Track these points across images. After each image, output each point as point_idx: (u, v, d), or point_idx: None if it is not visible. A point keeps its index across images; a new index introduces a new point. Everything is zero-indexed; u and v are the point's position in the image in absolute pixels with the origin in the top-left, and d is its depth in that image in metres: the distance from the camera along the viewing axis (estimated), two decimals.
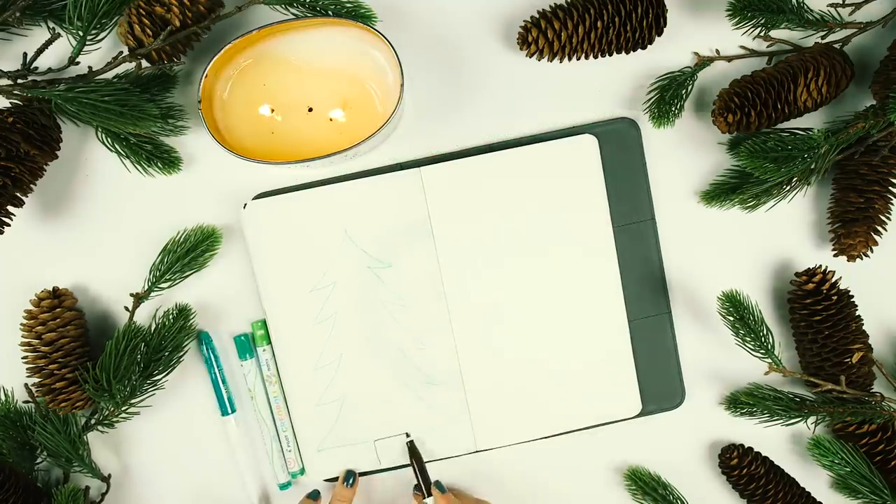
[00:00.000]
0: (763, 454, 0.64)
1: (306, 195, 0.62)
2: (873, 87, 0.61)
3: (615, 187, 0.64)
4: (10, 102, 0.58)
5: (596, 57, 0.62)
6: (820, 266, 0.63)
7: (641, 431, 0.66)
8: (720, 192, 0.63)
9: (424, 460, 0.63)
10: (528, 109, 0.64)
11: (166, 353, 0.61)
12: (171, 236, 0.62)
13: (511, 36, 0.63)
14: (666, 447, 0.66)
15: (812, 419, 0.62)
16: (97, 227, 0.63)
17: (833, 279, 0.62)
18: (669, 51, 0.63)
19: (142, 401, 0.61)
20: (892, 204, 0.62)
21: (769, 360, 0.61)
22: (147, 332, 0.61)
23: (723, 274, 0.65)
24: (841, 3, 0.60)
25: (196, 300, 0.63)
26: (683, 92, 0.62)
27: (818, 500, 0.64)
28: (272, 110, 0.61)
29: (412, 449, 0.63)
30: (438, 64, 0.63)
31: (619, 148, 0.64)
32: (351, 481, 0.63)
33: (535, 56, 0.61)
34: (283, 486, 0.65)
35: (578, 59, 0.62)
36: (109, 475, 0.63)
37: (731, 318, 0.61)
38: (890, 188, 0.62)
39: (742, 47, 0.64)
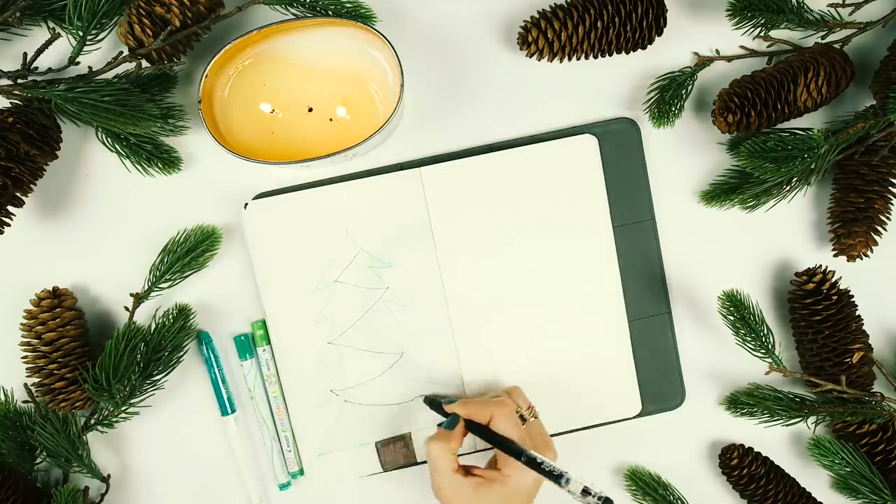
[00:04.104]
0: (763, 454, 0.64)
1: (306, 195, 0.62)
2: (873, 87, 0.61)
3: (615, 187, 0.64)
4: (10, 102, 0.58)
5: (596, 57, 0.62)
6: (820, 266, 0.63)
7: (641, 431, 0.66)
8: (720, 192, 0.63)
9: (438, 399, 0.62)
10: (529, 109, 0.64)
11: (166, 353, 0.61)
12: (171, 236, 0.62)
13: (511, 36, 0.63)
14: (666, 447, 0.66)
15: (812, 419, 0.62)
16: (97, 227, 0.63)
17: (833, 279, 0.62)
18: (669, 51, 0.63)
19: (141, 401, 0.61)
20: (892, 204, 0.62)
21: (769, 360, 0.61)
22: (147, 332, 0.61)
23: (723, 274, 0.65)
24: (841, 3, 0.60)
25: (196, 300, 0.63)
26: (683, 92, 0.62)
27: (818, 500, 0.64)
28: (272, 110, 0.61)
29: (430, 402, 0.62)
30: (438, 64, 0.63)
31: (619, 148, 0.64)
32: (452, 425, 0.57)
33: (535, 56, 0.61)
34: (283, 487, 0.65)
35: (578, 59, 0.62)
36: (109, 475, 0.63)
37: (732, 318, 0.61)
38: (890, 188, 0.62)
39: (742, 47, 0.64)
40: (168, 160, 0.61)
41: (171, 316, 0.62)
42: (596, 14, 0.59)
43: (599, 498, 0.49)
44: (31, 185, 0.59)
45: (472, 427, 0.57)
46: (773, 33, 0.62)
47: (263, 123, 0.61)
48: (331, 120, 0.61)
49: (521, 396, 0.61)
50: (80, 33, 0.54)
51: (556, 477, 0.51)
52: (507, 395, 0.60)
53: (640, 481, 0.64)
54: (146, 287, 0.61)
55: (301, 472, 0.65)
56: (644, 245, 0.64)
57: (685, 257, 0.65)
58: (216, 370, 0.63)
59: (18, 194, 0.58)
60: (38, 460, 0.62)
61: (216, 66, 0.58)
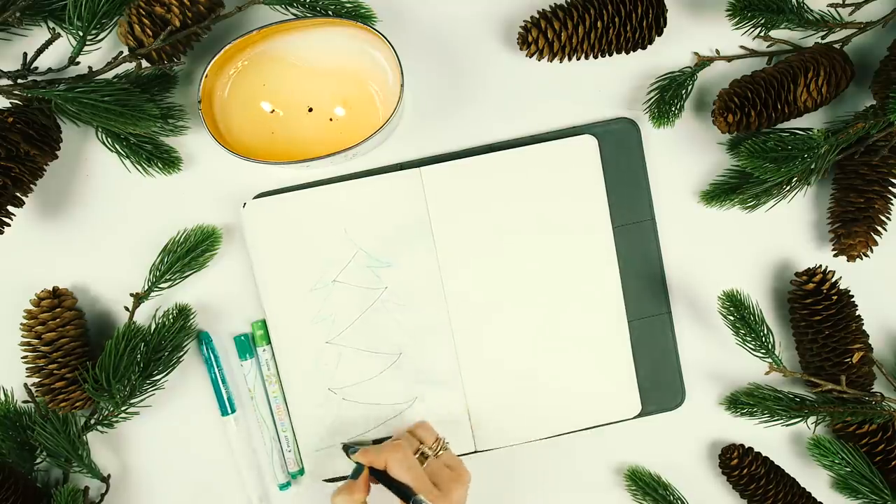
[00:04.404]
0: (763, 454, 0.64)
1: (306, 195, 0.62)
2: (873, 87, 0.61)
3: (615, 187, 0.64)
4: (10, 102, 0.58)
5: (596, 57, 0.62)
6: (820, 266, 0.63)
7: (641, 431, 0.66)
8: (720, 192, 0.63)
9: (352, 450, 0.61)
10: (529, 109, 0.64)
11: (166, 353, 0.61)
12: (171, 236, 0.62)
13: (511, 36, 0.63)
14: (666, 447, 0.66)
15: (812, 419, 0.62)
16: (97, 227, 0.63)
17: (833, 279, 0.62)
18: (669, 51, 0.63)
19: (141, 401, 0.61)
20: (892, 204, 0.62)
21: (769, 360, 0.61)
22: (147, 332, 0.61)
23: (723, 274, 0.65)
24: (841, 3, 0.60)
25: (196, 300, 0.63)
26: (683, 92, 0.62)
27: (818, 500, 0.64)
28: (272, 110, 0.61)
29: (345, 449, 0.62)
30: (438, 64, 0.63)
31: (619, 148, 0.64)
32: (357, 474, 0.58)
33: (535, 56, 0.61)
34: (283, 487, 0.65)
35: (578, 59, 0.62)
36: (109, 475, 0.63)
37: (732, 318, 0.61)
38: (890, 188, 0.62)
39: (742, 47, 0.64)
40: (168, 160, 0.61)
41: (171, 316, 0.62)
42: (596, 14, 0.59)
43: None
44: (31, 185, 0.59)
45: (376, 474, 0.57)
46: (773, 33, 0.62)
47: (263, 123, 0.61)
48: (331, 120, 0.61)
49: (428, 431, 0.61)
50: (80, 33, 0.54)
51: None
52: (409, 435, 0.60)
53: (640, 481, 0.64)
54: (146, 287, 0.61)
55: (301, 471, 0.65)
56: (644, 245, 0.64)
57: (685, 257, 0.65)
58: (216, 370, 0.63)
59: (18, 194, 0.58)
60: (38, 460, 0.62)
61: (216, 66, 0.58)
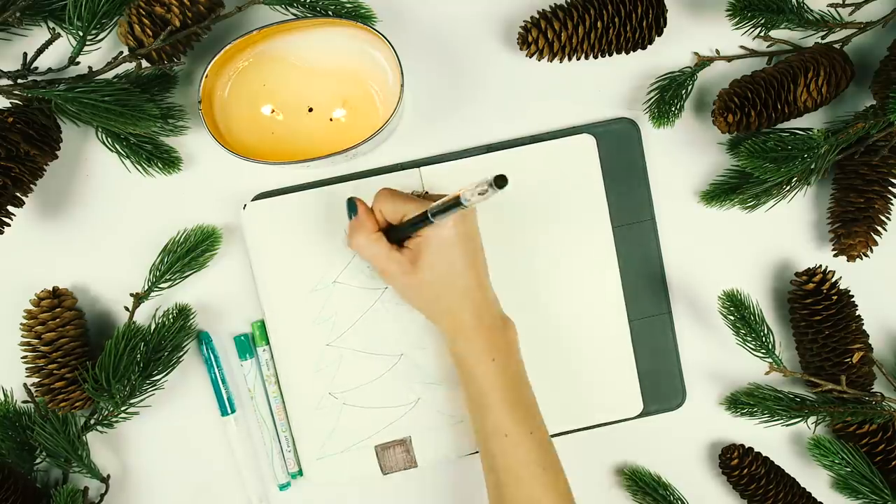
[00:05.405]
0: (763, 454, 0.64)
1: (306, 195, 0.62)
2: (873, 87, 0.61)
3: (615, 187, 0.64)
4: (10, 102, 0.58)
5: (596, 57, 0.62)
6: (820, 266, 0.63)
7: (642, 432, 0.66)
8: (720, 192, 0.63)
9: None
10: (528, 109, 0.64)
11: (166, 353, 0.61)
12: (171, 236, 0.62)
13: (511, 36, 0.63)
14: (666, 447, 0.66)
15: (812, 419, 0.62)
16: (97, 227, 0.63)
17: (833, 279, 0.62)
18: (669, 51, 0.63)
19: (141, 401, 0.61)
20: (892, 204, 0.62)
21: (770, 360, 0.61)
22: (147, 332, 0.61)
23: (723, 274, 0.65)
24: (841, 3, 0.60)
25: (196, 300, 0.63)
26: (683, 92, 0.62)
27: (818, 500, 0.64)
28: (272, 110, 0.61)
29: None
30: (438, 64, 0.63)
31: (619, 148, 0.64)
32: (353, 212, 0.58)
33: (535, 56, 0.61)
34: (283, 487, 0.65)
35: (578, 59, 0.62)
36: (108, 476, 0.63)
37: (732, 318, 0.61)
38: (890, 188, 0.62)
39: (742, 47, 0.64)
40: (168, 160, 0.61)
41: (171, 316, 0.62)
42: (596, 14, 0.59)
43: (490, 183, 0.45)
44: (31, 185, 0.59)
45: (388, 234, 0.56)
46: (773, 33, 0.62)
47: (263, 123, 0.61)
48: (331, 120, 0.61)
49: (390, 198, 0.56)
50: (80, 33, 0.54)
51: (456, 203, 0.49)
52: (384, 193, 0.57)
53: (641, 481, 0.64)
54: (146, 287, 0.61)
55: (301, 472, 0.65)
56: (644, 245, 0.64)
57: (685, 257, 0.65)
58: (216, 370, 0.63)
59: (18, 194, 0.58)
60: (38, 460, 0.62)
61: (216, 67, 0.58)
